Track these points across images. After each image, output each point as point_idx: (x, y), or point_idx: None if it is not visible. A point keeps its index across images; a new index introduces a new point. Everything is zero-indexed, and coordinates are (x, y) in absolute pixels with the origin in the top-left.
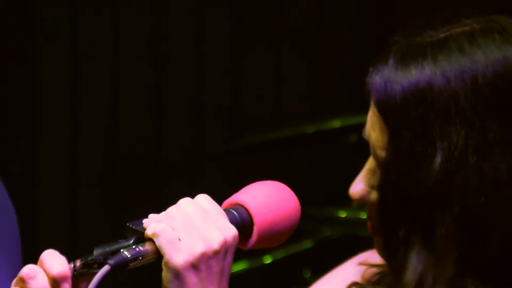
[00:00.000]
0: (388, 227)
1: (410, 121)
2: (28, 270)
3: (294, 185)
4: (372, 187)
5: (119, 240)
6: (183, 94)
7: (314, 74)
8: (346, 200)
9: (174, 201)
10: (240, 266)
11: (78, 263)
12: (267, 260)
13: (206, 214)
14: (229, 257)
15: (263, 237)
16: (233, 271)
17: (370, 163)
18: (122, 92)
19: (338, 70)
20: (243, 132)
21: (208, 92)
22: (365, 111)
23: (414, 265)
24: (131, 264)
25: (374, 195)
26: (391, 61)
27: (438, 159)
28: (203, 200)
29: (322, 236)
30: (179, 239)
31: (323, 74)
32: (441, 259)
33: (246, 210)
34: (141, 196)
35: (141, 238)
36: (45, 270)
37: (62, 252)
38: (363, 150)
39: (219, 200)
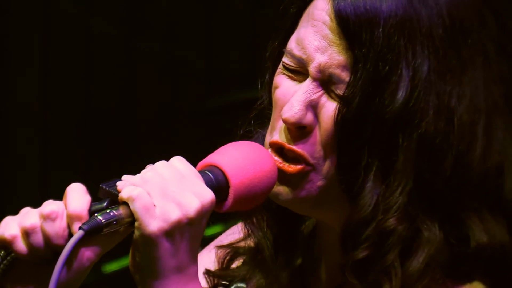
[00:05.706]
0: (347, 148)
1: (377, 42)
2: (50, 210)
3: None
4: (308, 109)
5: (92, 203)
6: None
7: None
8: None
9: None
10: (216, 229)
11: None
12: None
13: (182, 178)
14: (204, 222)
15: (239, 199)
16: (207, 234)
17: (306, 85)
18: None
19: None
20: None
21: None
22: None
23: (370, 192)
24: (105, 230)
25: (310, 117)
26: None
27: (405, 81)
28: (179, 162)
29: None
30: (154, 205)
31: None
32: (396, 186)
33: (222, 172)
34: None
35: (115, 200)
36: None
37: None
38: None
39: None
